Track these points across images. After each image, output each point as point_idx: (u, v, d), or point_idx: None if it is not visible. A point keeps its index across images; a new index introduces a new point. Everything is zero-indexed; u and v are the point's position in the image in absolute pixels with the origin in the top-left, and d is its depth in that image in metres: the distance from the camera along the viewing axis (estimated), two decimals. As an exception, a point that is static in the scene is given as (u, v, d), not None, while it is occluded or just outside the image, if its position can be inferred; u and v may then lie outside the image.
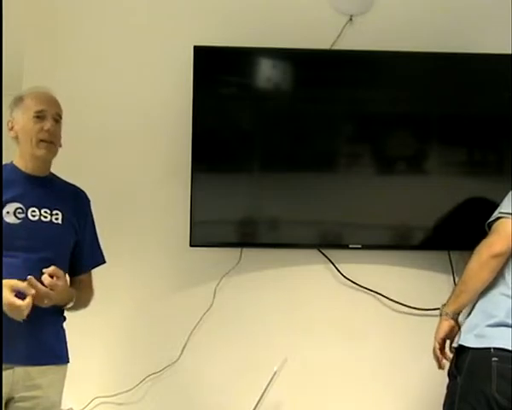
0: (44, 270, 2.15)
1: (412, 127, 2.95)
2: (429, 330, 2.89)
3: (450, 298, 2.41)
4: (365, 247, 2.88)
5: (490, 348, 2.21)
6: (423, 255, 2.87)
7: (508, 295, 2.27)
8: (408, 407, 2.88)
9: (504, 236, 2.30)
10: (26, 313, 2.09)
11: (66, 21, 3.06)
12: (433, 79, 2.93)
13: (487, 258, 2.30)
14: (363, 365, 2.90)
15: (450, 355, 2.39)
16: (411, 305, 2.90)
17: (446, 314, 2.38)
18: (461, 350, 2.30)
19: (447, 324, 2.38)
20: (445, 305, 2.41)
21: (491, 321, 2.26)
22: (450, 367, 2.35)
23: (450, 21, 2.97)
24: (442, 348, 2.39)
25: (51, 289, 2.14)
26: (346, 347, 2.90)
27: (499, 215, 2.34)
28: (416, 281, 2.89)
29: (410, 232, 2.91)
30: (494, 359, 2.19)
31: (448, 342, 2.40)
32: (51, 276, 2.15)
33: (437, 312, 2.86)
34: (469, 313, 2.38)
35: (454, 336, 2.37)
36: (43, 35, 3.05)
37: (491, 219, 2.36)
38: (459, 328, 2.37)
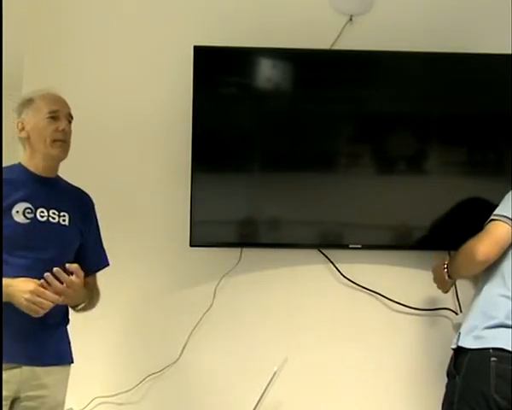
0: (67, 265, 2.17)
1: (412, 127, 2.94)
2: (429, 330, 2.91)
3: (450, 262, 2.52)
4: (365, 247, 2.88)
5: (489, 349, 2.21)
6: (423, 255, 2.87)
7: (507, 297, 2.27)
8: (408, 406, 2.88)
9: (493, 240, 2.31)
10: (46, 306, 2.11)
11: (66, 21, 3.06)
12: (433, 79, 2.92)
13: (473, 263, 2.35)
14: (363, 365, 2.90)
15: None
16: (411, 305, 2.90)
17: (445, 270, 2.52)
18: (459, 351, 2.30)
19: (451, 282, 2.56)
20: (447, 264, 2.52)
21: (491, 322, 2.25)
22: (449, 367, 2.35)
23: (450, 21, 2.97)
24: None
25: (68, 287, 2.15)
26: (345, 347, 2.90)
27: (492, 217, 2.35)
28: (415, 281, 2.89)
29: (410, 232, 2.91)
30: (493, 359, 2.19)
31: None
32: (70, 273, 2.17)
33: (437, 312, 2.88)
34: (468, 314, 2.38)
35: None
36: (43, 35, 3.05)
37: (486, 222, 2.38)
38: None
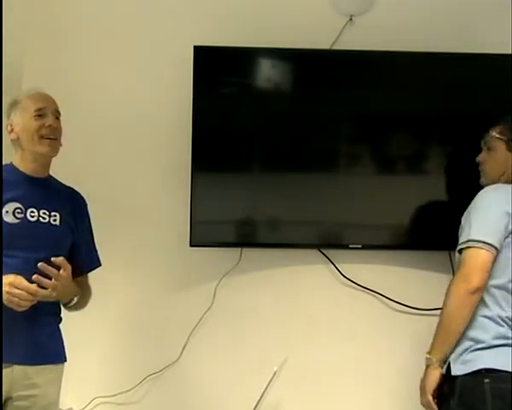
0: (53, 259, 2.16)
1: (412, 127, 2.95)
2: (429, 331, 2.90)
3: (433, 345, 2.27)
4: (365, 247, 2.88)
5: (480, 371, 2.16)
6: (423, 255, 2.87)
7: (489, 317, 2.22)
8: (407, 406, 2.88)
9: (480, 267, 2.18)
10: (26, 298, 2.10)
11: (65, 22, 3.06)
12: (433, 79, 2.92)
13: (466, 295, 2.19)
14: (363, 365, 2.90)
15: None
16: (411, 305, 2.90)
17: (433, 364, 2.24)
18: (450, 378, 2.22)
19: (437, 373, 2.24)
20: (429, 353, 2.27)
21: (479, 346, 2.19)
22: (441, 390, 2.26)
23: (449, 21, 2.98)
24: (435, 398, 2.24)
25: (56, 280, 2.15)
26: (346, 347, 2.90)
27: (469, 244, 2.22)
28: (416, 281, 2.89)
29: (409, 232, 2.92)
30: (486, 380, 2.14)
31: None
32: (58, 267, 2.16)
33: (437, 312, 2.87)
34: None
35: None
36: (43, 35, 3.06)
37: (461, 245, 2.25)
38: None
